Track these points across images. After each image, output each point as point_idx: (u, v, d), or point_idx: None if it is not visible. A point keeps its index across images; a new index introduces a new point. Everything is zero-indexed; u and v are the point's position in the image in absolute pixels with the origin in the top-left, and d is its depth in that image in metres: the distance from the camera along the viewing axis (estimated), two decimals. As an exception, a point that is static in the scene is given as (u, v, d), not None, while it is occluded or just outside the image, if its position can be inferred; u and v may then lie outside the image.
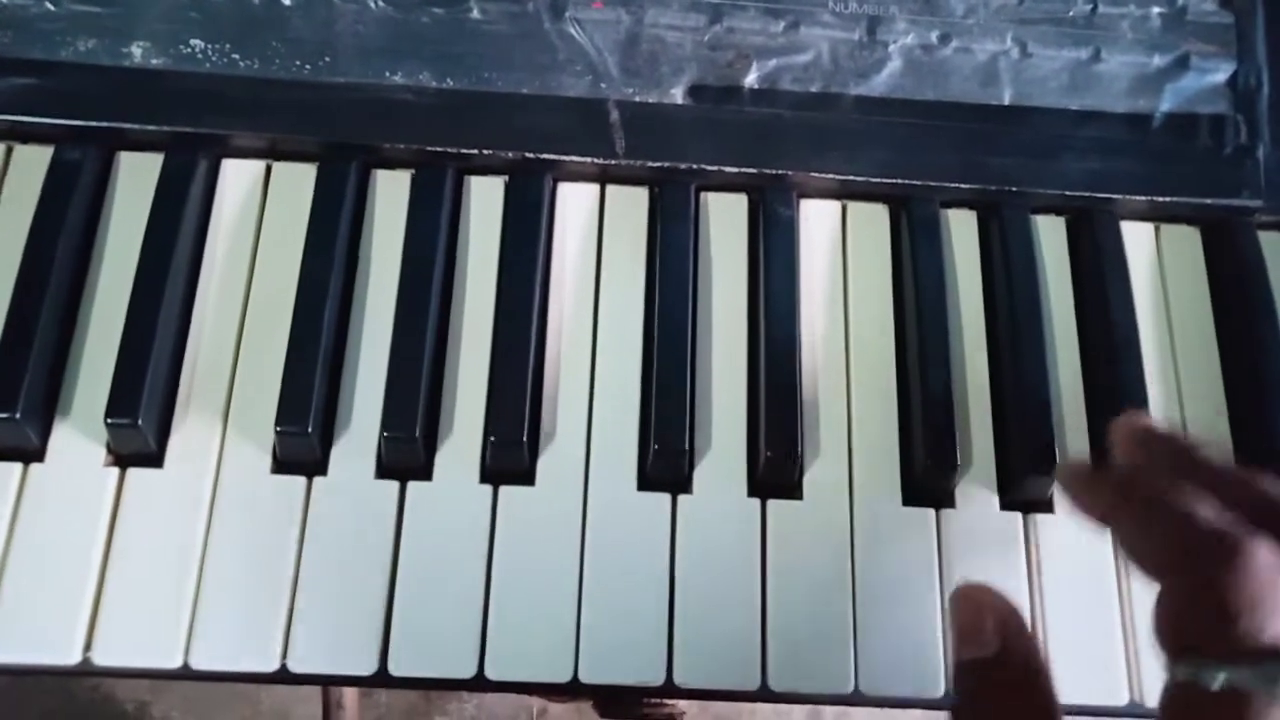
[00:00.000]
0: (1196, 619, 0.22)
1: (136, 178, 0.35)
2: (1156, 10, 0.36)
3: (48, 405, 0.32)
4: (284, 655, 0.30)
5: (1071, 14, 0.36)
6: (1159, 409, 0.34)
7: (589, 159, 0.35)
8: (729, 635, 0.31)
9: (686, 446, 0.32)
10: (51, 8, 0.34)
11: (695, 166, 0.35)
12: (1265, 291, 0.35)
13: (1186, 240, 0.37)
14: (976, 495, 0.33)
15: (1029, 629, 0.26)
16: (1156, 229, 0.37)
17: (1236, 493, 0.24)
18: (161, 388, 0.32)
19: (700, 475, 0.33)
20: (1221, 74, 0.36)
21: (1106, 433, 0.31)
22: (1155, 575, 0.24)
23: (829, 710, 1.02)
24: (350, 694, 0.86)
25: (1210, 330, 0.36)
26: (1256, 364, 0.34)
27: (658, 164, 0.35)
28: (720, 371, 0.34)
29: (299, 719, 1.00)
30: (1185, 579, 0.23)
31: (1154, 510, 0.24)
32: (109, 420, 0.31)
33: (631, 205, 0.36)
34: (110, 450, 0.32)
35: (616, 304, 0.35)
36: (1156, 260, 0.37)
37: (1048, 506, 0.33)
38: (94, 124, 0.34)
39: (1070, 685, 0.31)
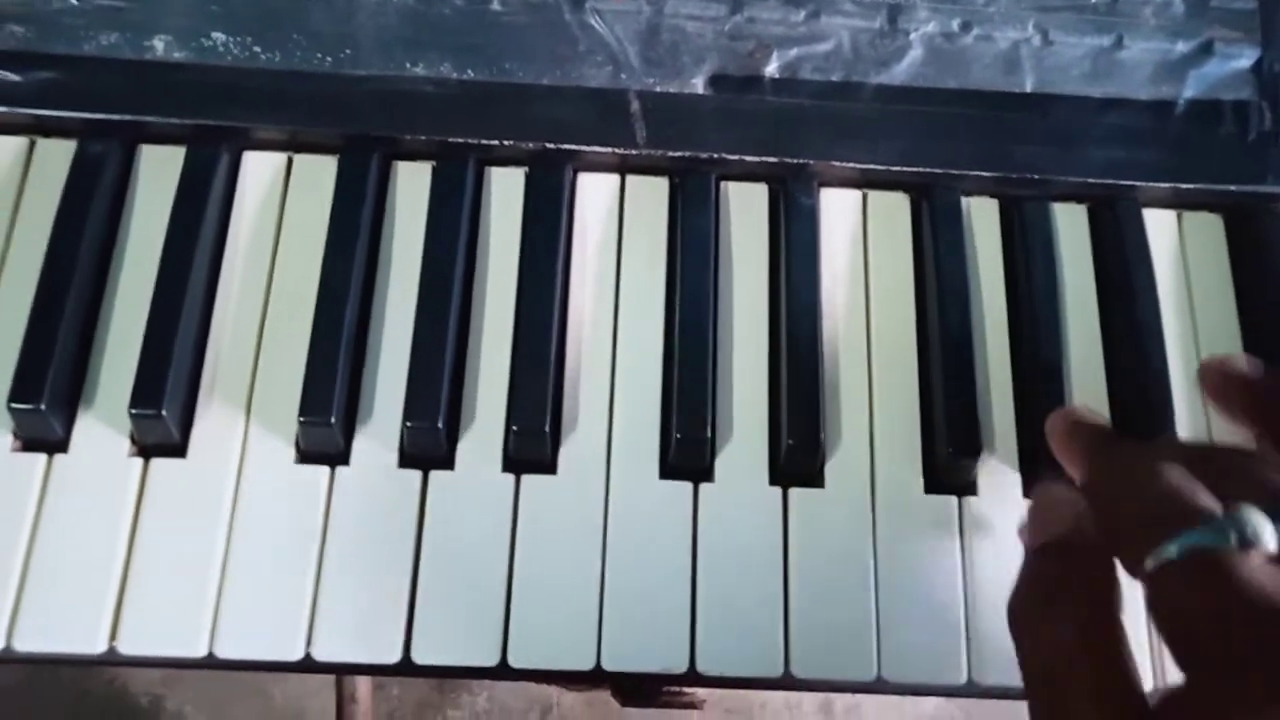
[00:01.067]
0: (1138, 519, 0.23)
1: (159, 170, 0.35)
2: (1179, -4, 0.36)
3: (72, 396, 0.33)
4: (308, 644, 0.31)
5: (1093, 1, 0.36)
6: (1182, 397, 0.34)
7: (610, 149, 0.35)
8: (751, 623, 0.31)
9: (709, 434, 0.32)
10: (74, 2, 0.34)
11: (716, 156, 0.35)
12: (1289, 279, 0.35)
13: (1209, 228, 0.37)
14: (999, 482, 0.33)
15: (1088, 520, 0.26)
16: (1179, 216, 0.37)
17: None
18: (185, 378, 0.33)
19: (722, 464, 0.33)
20: (1246, 60, 0.36)
21: (1128, 419, 0.31)
22: (1100, 514, 0.25)
23: (839, 703, 1.02)
24: (364, 687, 0.86)
25: (1234, 318, 0.36)
26: (1279, 350, 0.34)
27: (678, 154, 0.35)
28: (741, 360, 0.34)
29: (312, 713, 1.00)
30: (1119, 495, 0.25)
31: (1100, 455, 0.27)
32: (133, 411, 0.31)
33: (652, 195, 0.36)
34: (134, 441, 0.32)
35: (637, 294, 0.35)
36: (1179, 248, 0.37)
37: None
38: (116, 117, 0.34)
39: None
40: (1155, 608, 0.22)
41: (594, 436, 0.33)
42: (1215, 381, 0.29)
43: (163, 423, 0.31)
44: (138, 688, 0.99)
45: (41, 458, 0.32)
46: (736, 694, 1.02)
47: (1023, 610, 0.25)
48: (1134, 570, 0.23)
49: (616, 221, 0.36)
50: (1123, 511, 0.24)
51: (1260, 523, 0.21)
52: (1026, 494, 0.33)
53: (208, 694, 0.99)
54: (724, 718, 0.99)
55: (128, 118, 0.34)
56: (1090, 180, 0.35)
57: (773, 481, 0.33)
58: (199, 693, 0.99)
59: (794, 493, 0.33)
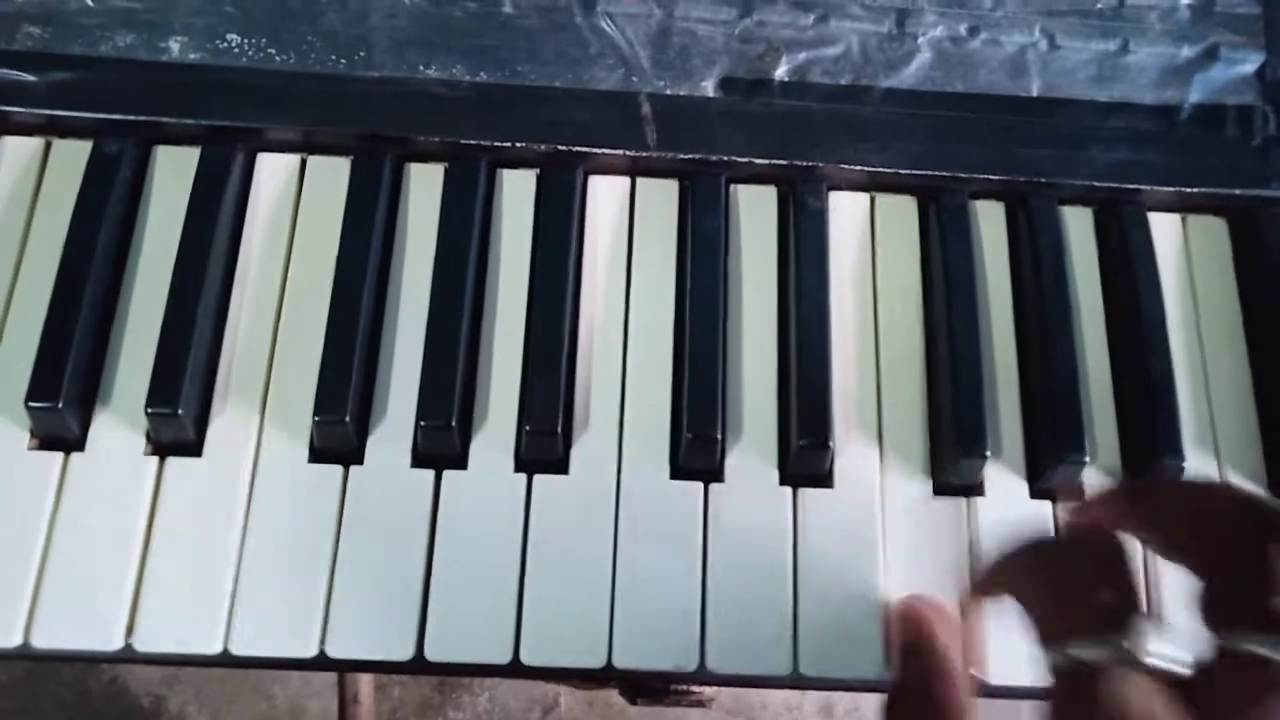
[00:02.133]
0: (1234, 603, 0.24)
1: (174, 171, 0.35)
2: (1185, 1, 0.37)
3: (88, 396, 0.33)
4: (322, 641, 0.31)
5: (1099, 6, 0.36)
6: (1187, 398, 0.34)
7: (620, 151, 0.35)
8: (761, 622, 0.32)
9: (719, 434, 0.32)
10: (90, 3, 0.34)
11: (726, 158, 0.35)
12: (1293, 282, 0.36)
13: (1214, 231, 0.37)
14: (1006, 484, 0.33)
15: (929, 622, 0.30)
16: (1184, 220, 0.37)
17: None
18: (200, 378, 0.33)
19: (732, 464, 0.33)
20: (1250, 65, 0.36)
21: (1134, 421, 0.32)
22: (1198, 572, 0.25)
23: (840, 705, 1.02)
24: (366, 688, 0.86)
25: (1238, 320, 0.36)
26: (1284, 354, 0.34)
27: (688, 156, 0.35)
28: (751, 362, 0.34)
29: (314, 714, 1.01)
30: (1225, 570, 0.25)
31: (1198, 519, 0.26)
32: (149, 410, 0.31)
33: (662, 197, 0.36)
34: (150, 439, 0.33)
35: (648, 295, 0.35)
36: (1184, 251, 0.37)
37: (1078, 495, 0.33)
38: (132, 118, 0.35)
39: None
40: (1048, 696, 0.24)
41: (605, 436, 0.33)
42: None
43: (179, 421, 0.32)
44: (139, 687, 0.99)
45: (58, 456, 0.32)
46: (737, 695, 1.02)
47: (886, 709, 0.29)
48: (1210, 633, 0.24)
49: (627, 223, 0.36)
50: (1036, 607, 0.26)
51: (1144, 641, 0.23)
52: (1033, 495, 0.33)
53: (209, 694, 1.00)
54: (725, 719, 0.99)
55: (143, 118, 0.34)
56: (1096, 183, 0.36)
57: (782, 481, 0.33)
58: (200, 693, 0.99)
59: (803, 493, 0.33)
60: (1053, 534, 0.31)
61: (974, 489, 0.33)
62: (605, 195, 0.36)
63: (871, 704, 1.01)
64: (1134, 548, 0.26)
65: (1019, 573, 0.28)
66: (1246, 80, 0.36)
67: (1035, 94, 0.36)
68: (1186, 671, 0.23)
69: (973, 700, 0.28)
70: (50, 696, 0.98)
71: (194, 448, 0.33)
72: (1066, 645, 0.24)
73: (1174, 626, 0.24)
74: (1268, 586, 0.23)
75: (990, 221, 0.37)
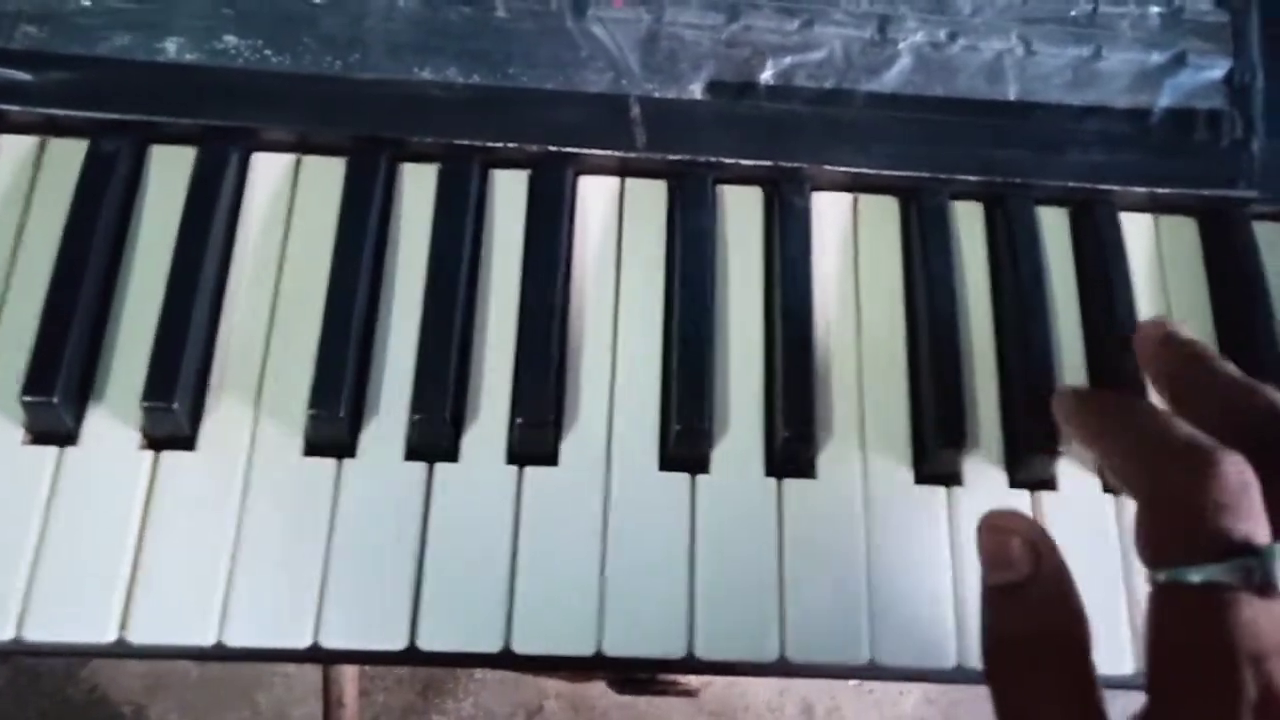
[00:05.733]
0: (1171, 525, 0.23)
1: (169, 170, 0.36)
2: (1155, 9, 0.38)
3: (83, 391, 0.33)
4: (316, 633, 0.31)
5: (1074, 13, 0.38)
6: (1159, 396, 0.35)
7: (610, 152, 0.36)
8: (748, 610, 0.32)
9: (707, 426, 0.33)
10: (87, 3, 0.35)
11: (713, 160, 0.36)
12: (1259, 279, 0.37)
13: (1185, 231, 0.38)
14: (986, 474, 0.34)
15: (1058, 550, 0.26)
16: (1156, 220, 0.39)
17: (1241, 403, 0.25)
18: (195, 372, 0.33)
19: (718, 456, 0.34)
20: (1218, 70, 0.38)
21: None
22: (1134, 491, 0.25)
23: (820, 706, 1.03)
24: (350, 692, 0.86)
25: (1208, 316, 0.37)
26: (1251, 348, 0.36)
27: (677, 157, 0.36)
28: (737, 356, 0.35)
29: (297, 719, 1.00)
30: (1159, 485, 0.24)
31: (1131, 425, 0.26)
32: (145, 403, 0.32)
33: (651, 197, 0.37)
34: (144, 434, 0.33)
35: (637, 291, 0.36)
36: (1156, 250, 0.38)
37: (1053, 485, 0.34)
38: (128, 117, 0.35)
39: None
40: (1152, 619, 0.23)
41: (595, 429, 0.34)
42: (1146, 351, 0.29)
43: (174, 415, 0.32)
44: (120, 696, 0.98)
45: (53, 450, 0.32)
46: (719, 696, 1.03)
47: (994, 662, 0.25)
48: (1147, 565, 0.23)
49: (616, 222, 0.37)
50: (1155, 517, 0.24)
51: None
52: (1013, 485, 0.34)
53: (191, 702, 0.99)
54: (708, 720, 1.00)
55: (139, 118, 0.35)
56: (1071, 184, 0.37)
57: (768, 473, 0.34)
58: (182, 701, 0.99)
59: (788, 483, 0.34)
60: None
61: (954, 478, 0.34)
62: (595, 195, 0.37)
63: (851, 705, 1.02)
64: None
65: (1153, 468, 0.25)
66: (1215, 85, 0.38)
67: (1012, 98, 0.37)
68: None
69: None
70: (30, 705, 0.97)
71: (188, 442, 0.33)
72: (1190, 567, 0.22)
73: None
74: None
75: (969, 221, 0.38)
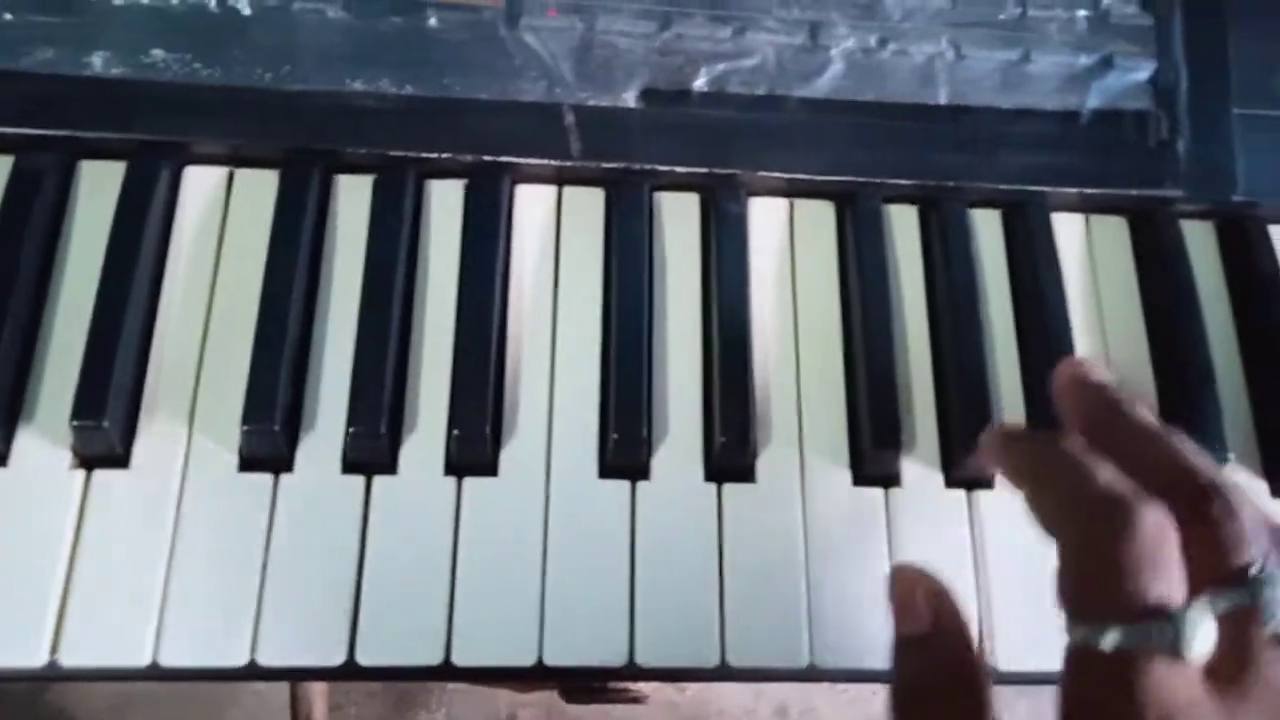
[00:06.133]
0: (1086, 581, 0.23)
1: (99, 185, 0.35)
2: (1081, 13, 0.39)
3: (12, 410, 0.33)
4: (253, 650, 0.31)
5: (1002, 17, 0.38)
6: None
7: (546, 161, 0.36)
8: (689, 616, 0.32)
9: (645, 434, 0.33)
10: (9, 17, 0.34)
11: (648, 167, 0.36)
12: (1187, 276, 0.37)
13: (1114, 230, 0.39)
14: (922, 474, 0.35)
15: (958, 606, 0.27)
16: (1086, 219, 0.39)
17: (1149, 455, 0.25)
18: (127, 390, 0.33)
19: (658, 462, 0.34)
20: (1143, 72, 0.38)
21: (1040, 413, 0.33)
22: (1056, 539, 0.25)
23: (795, 708, 1.03)
24: (320, 708, 0.85)
25: (1138, 314, 0.38)
26: (1181, 346, 0.36)
27: (612, 165, 0.36)
28: (676, 363, 0.35)
29: (266, 738, 0.99)
30: (1076, 541, 0.24)
31: (1052, 473, 0.26)
32: (75, 422, 0.31)
33: (588, 205, 0.37)
34: (75, 453, 0.32)
35: (575, 300, 0.36)
36: (1087, 249, 0.39)
37: (989, 484, 0.35)
38: (55, 132, 0.35)
39: (1014, 655, 0.32)
40: (1065, 675, 0.23)
41: (534, 439, 0.34)
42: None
43: (105, 434, 0.32)
44: (86, 716, 0.97)
45: (-21, 472, 0.32)
46: (693, 701, 1.03)
47: (898, 710, 0.26)
48: (1065, 619, 0.23)
49: (554, 231, 0.37)
50: (1073, 571, 0.24)
51: (1199, 633, 0.22)
52: (949, 485, 0.35)
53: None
54: (681, 724, 1.00)
55: (66, 133, 0.35)
56: (1002, 186, 0.37)
57: (707, 478, 0.34)
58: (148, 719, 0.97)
59: (728, 488, 0.34)
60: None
61: (891, 480, 0.34)
62: (532, 203, 0.37)
63: (828, 706, 1.02)
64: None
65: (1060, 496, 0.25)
66: (1141, 87, 0.38)
67: (943, 102, 0.37)
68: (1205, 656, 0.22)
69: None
70: (-15, 730, 0.95)
71: (121, 460, 0.33)
72: (1104, 628, 0.22)
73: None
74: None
75: (904, 224, 0.38)
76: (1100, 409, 0.27)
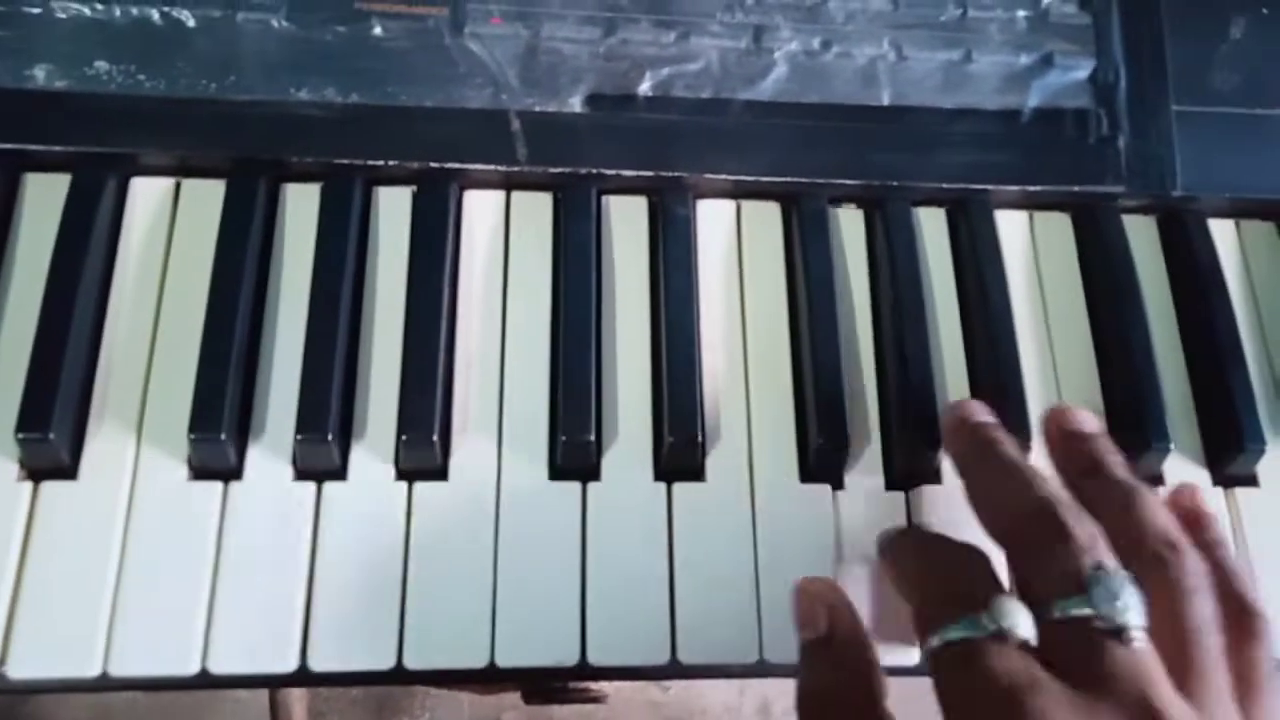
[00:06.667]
0: (924, 601, 0.28)
1: (44, 197, 0.35)
2: (1021, 13, 0.39)
3: (-42, 425, 0.33)
4: (205, 658, 0.31)
5: (943, 18, 0.39)
6: (1035, 385, 0.37)
7: (493, 167, 0.36)
8: (640, 614, 0.33)
9: (592, 437, 0.34)
10: (-48, 32, 0.34)
11: (595, 171, 0.37)
12: (1130, 271, 0.38)
13: (1058, 226, 0.40)
14: (868, 471, 0.35)
15: (854, 613, 0.30)
16: (1030, 216, 0.40)
17: (1005, 485, 0.30)
18: (74, 401, 0.33)
19: (609, 463, 0.34)
20: (1083, 71, 0.39)
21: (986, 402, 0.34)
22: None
23: (778, 705, 1.03)
24: (299, 715, 0.85)
25: (1083, 309, 0.38)
26: (1124, 339, 0.37)
27: (559, 170, 0.37)
28: (625, 365, 0.36)
29: (243, 746, 0.99)
30: (918, 575, 0.30)
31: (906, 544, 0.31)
32: (20, 435, 0.31)
33: (536, 210, 0.37)
34: (23, 465, 0.32)
35: (524, 304, 0.36)
36: (1031, 246, 0.39)
37: (935, 478, 0.35)
38: (-1, 145, 0.35)
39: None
40: (932, 680, 0.26)
41: (484, 442, 0.34)
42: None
43: (51, 446, 0.32)
44: (59, 733, 0.96)
45: (-75, 486, 0.32)
46: (677, 699, 1.03)
47: (801, 715, 0.29)
48: (919, 636, 0.27)
49: (503, 235, 0.37)
50: (914, 590, 0.29)
51: (1016, 617, 0.25)
52: (888, 487, 0.35)
53: (138, 734, 0.97)
54: (663, 723, 1.00)
55: (9, 146, 0.34)
56: (946, 185, 0.38)
57: (657, 478, 0.34)
58: (129, 733, 0.97)
59: (677, 487, 0.34)
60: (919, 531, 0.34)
61: (838, 477, 0.35)
62: (481, 209, 0.37)
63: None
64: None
65: (902, 562, 0.30)
66: (1080, 85, 0.39)
67: (886, 103, 0.38)
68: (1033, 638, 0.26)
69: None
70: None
71: (69, 471, 0.33)
72: (943, 629, 0.26)
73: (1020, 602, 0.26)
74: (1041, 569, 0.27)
75: (850, 224, 0.39)
76: (974, 447, 0.32)
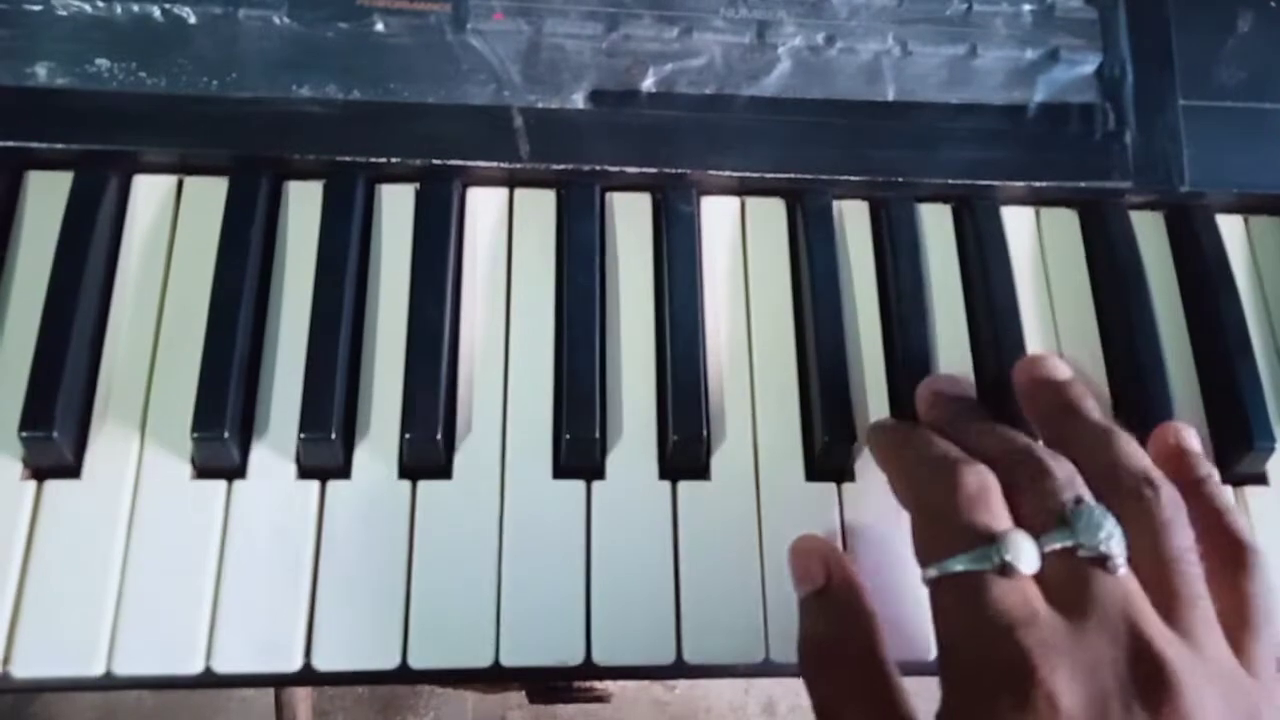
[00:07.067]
0: (930, 529, 0.28)
1: (46, 195, 0.35)
2: (1027, 7, 0.39)
3: (-39, 424, 0.33)
4: (209, 657, 0.31)
5: (948, 13, 0.38)
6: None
7: (496, 164, 0.36)
8: (645, 614, 0.32)
9: (597, 435, 0.33)
10: (-47, 31, 0.34)
11: (599, 168, 0.36)
12: (1137, 266, 0.38)
13: (1065, 222, 0.39)
14: (874, 468, 0.35)
15: (849, 565, 0.31)
16: (1037, 212, 0.39)
17: (988, 439, 0.30)
18: (78, 400, 0.33)
19: (613, 461, 0.34)
20: (1089, 65, 0.39)
21: (991, 403, 0.34)
22: (906, 504, 0.30)
23: (784, 703, 1.03)
24: (304, 714, 0.85)
25: (1090, 305, 0.38)
26: (1131, 336, 0.37)
27: (562, 167, 0.36)
28: (630, 363, 0.36)
29: (245, 746, 0.99)
30: (917, 502, 0.30)
31: (897, 454, 0.32)
32: (23, 434, 0.31)
33: (539, 207, 0.37)
34: (26, 464, 0.32)
35: (528, 302, 0.36)
36: (1038, 242, 0.39)
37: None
38: (0, 144, 0.34)
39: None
40: (931, 612, 0.27)
41: (488, 441, 0.34)
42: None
43: (55, 445, 0.32)
44: (63, 733, 0.96)
45: (-71, 486, 0.32)
46: (681, 699, 1.03)
47: (804, 661, 0.30)
48: (920, 566, 0.28)
49: (506, 233, 0.37)
50: (919, 523, 0.29)
51: (1021, 550, 0.26)
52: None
53: (144, 734, 0.97)
54: (669, 722, 1.00)
55: (11, 144, 0.34)
56: (951, 181, 0.38)
57: (662, 476, 0.34)
58: (136, 733, 0.97)
59: (682, 485, 0.34)
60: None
61: (844, 474, 0.35)
62: (484, 206, 0.37)
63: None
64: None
65: (911, 471, 0.31)
66: (1086, 80, 0.39)
67: (891, 98, 0.38)
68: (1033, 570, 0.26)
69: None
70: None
71: (73, 470, 0.33)
72: (951, 559, 0.26)
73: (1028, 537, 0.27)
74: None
75: (855, 220, 0.38)
76: (955, 415, 0.33)
